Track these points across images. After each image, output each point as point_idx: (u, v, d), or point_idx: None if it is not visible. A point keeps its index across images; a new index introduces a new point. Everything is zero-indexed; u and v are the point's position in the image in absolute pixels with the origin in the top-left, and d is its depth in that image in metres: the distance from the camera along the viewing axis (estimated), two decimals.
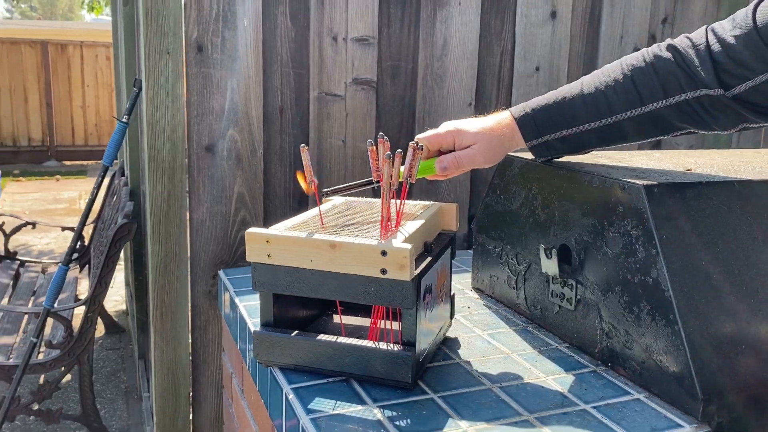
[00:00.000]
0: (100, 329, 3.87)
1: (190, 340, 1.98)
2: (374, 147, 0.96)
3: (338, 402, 0.92)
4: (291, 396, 0.93)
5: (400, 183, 0.97)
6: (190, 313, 1.97)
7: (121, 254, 4.27)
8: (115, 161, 2.77)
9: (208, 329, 1.95)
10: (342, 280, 0.91)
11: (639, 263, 0.97)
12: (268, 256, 0.94)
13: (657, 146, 2.51)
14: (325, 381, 0.98)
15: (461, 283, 1.47)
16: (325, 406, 0.91)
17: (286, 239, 0.93)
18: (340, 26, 2.08)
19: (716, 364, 0.91)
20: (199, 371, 1.96)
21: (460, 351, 1.11)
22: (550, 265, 1.13)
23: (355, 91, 2.15)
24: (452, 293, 1.16)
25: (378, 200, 1.02)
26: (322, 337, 0.98)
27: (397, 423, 0.87)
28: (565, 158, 1.19)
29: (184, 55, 1.82)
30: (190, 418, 2.02)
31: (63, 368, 2.58)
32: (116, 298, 4.54)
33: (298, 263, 0.93)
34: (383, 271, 0.89)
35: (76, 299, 3.13)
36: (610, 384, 1.01)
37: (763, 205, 1.00)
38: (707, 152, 1.44)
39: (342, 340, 0.97)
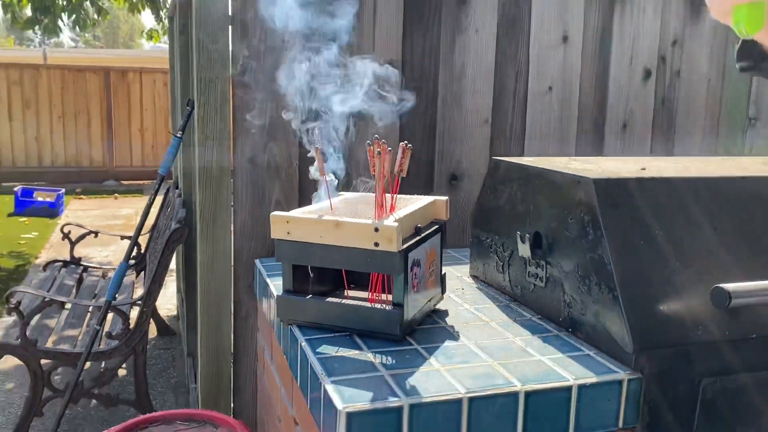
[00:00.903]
0: (153, 331, 4.19)
1: (233, 329, 2.24)
2: (371, 147, 1.20)
3: (341, 348, 1.16)
4: (304, 344, 1.18)
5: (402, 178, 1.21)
6: (232, 305, 2.23)
7: (174, 265, 4.61)
8: (169, 180, 3.08)
9: (248, 320, 2.21)
10: (344, 252, 1.16)
11: (589, 243, 1.19)
12: (288, 233, 1.19)
13: (671, 153, 2.70)
14: (332, 335, 1.22)
15: (461, 272, 1.69)
16: (330, 350, 1.15)
17: (302, 220, 1.18)
18: (368, 50, 2.34)
19: (647, 325, 1.11)
20: (239, 357, 2.22)
21: (447, 319, 1.34)
22: (524, 249, 1.35)
23: (382, 105, 2.40)
24: (443, 272, 1.39)
25: (387, 197, 1.26)
26: (330, 299, 1.22)
27: (385, 363, 1.10)
28: (539, 161, 1.41)
29: (230, 79, 2.10)
30: (231, 400, 2.27)
31: (120, 357, 2.88)
32: (169, 306, 4.88)
33: (311, 239, 1.18)
34: (376, 244, 1.13)
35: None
36: (567, 344, 1.21)
37: (692, 197, 1.20)
38: (675, 158, 1.64)
39: (346, 301, 1.21)
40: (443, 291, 1.40)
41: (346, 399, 0.97)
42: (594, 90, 2.71)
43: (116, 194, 9.91)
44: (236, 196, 2.20)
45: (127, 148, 11.24)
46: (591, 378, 1.07)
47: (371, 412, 0.95)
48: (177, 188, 3.72)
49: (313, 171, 1.28)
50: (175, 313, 4.70)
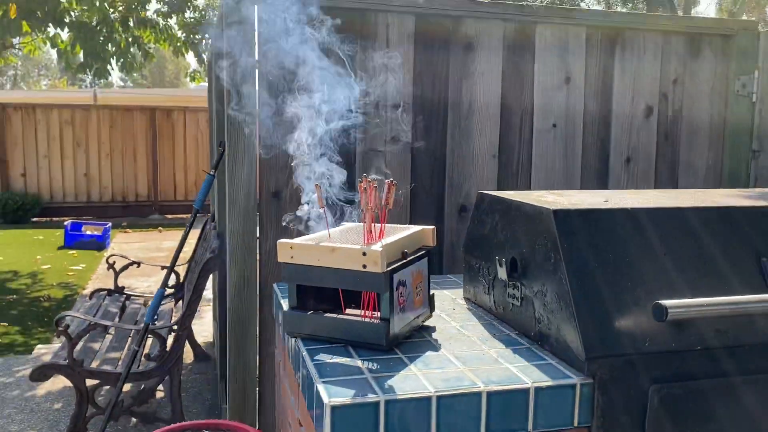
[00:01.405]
0: (190, 357, 4.44)
1: (258, 350, 2.45)
2: (360, 183, 1.41)
3: (335, 356, 1.35)
4: (304, 353, 1.37)
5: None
6: (258, 328, 2.45)
7: (211, 293, 4.87)
8: (208, 213, 3.34)
9: (272, 342, 2.41)
10: (338, 273, 1.36)
11: (551, 266, 1.36)
12: (291, 257, 1.40)
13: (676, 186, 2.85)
14: (329, 346, 1.41)
15: (456, 294, 1.87)
16: (325, 358, 1.34)
17: (302, 245, 1.39)
18: (380, 94, 2.57)
19: (598, 337, 1.27)
20: (265, 375, 2.42)
21: (433, 334, 1.52)
22: (503, 273, 1.52)
23: (394, 146, 2.62)
24: (432, 293, 1.57)
25: (375, 227, 1.46)
26: (327, 314, 1.42)
27: (371, 368, 1.29)
28: (516, 194, 1.60)
29: (258, 123, 2.35)
30: (257, 414, 2.47)
31: (157, 378, 3.11)
32: (205, 333, 5.13)
33: (311, 262, 1.38)
34: (364, 266, 1.32)
35: None
36: (535, 355, 1.38)
37: (644, 225, 1.37)
38: (649, 192, 1.80)
39: (340, 316, 1.40)
40: (432, 309, 1.58)
41: (332, 395, 1.16)
42: (597, 126, 2.88)
43: (160, 228, 10.34)
44: (262, 227, 2.43)
45: (170, 184, 11.72)
46: (547, 382, 1.24)
47: (352, 406, 1.14)
48: (213, 221, 3.98)
49: (312, 205, 1.48)
50: (211, 339, 4.94)
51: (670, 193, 1.76)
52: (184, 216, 11.49)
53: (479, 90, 2.69)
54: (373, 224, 1.41)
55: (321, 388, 1.19)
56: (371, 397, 1.15)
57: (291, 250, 1.39)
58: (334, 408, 1.13)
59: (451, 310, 1.72)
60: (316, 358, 1.34)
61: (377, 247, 1.33)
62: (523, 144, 2.79)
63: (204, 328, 5.19)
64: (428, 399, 1.17)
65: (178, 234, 9.77)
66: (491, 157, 2.74)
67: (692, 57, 2.95)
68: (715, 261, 1.37)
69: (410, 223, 2.62)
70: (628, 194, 1.72)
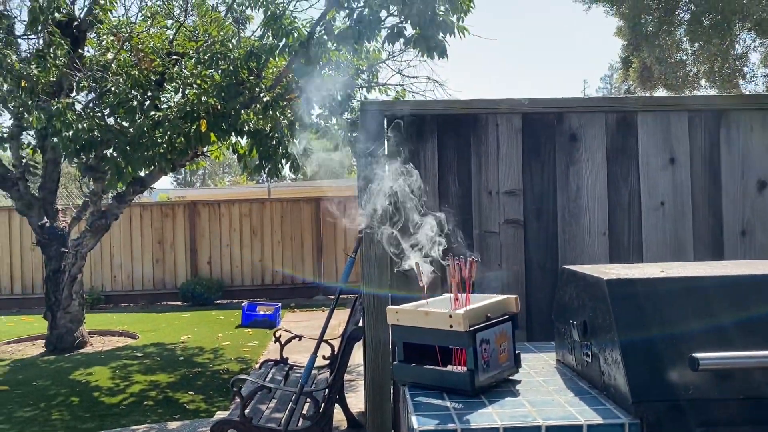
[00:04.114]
0: (344, 423, 4.88)
1: (392, 406, 2.83)
2: (448, 260, 1.78)
3: (430, 398, 1.71)
4: (407, 395, 1.75)
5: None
6: (392, 388, 2.84)
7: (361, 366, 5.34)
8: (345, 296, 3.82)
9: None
10: (431, 332, 1.73)
11: (607, 327, 1.64)
12: (397, 320, 1.80)
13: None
14: (428, 391, 1.77)
15: (550, 357, 2.15)
16: (423, 399, 1.71)
17: (405, 310, 1.79)
18: (493, 184, 2.95)
19: (645, 384, 1.52)
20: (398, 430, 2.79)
21: (517, 386, 1.82)
22: (575, 334, 1.81)
23: (507, 228, 2.97)
24: (517, 352, 1.88)
25: (461, 295, 1.83)
26: (427, 366, 1.79)
27: (455, 407, 1.63)
28: (589, 268, 1.88)
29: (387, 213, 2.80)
30: None
31: None
32: (360, 406, 5.59)
33: (411, 323, 1.77)
34: (450, 326, 1.69)
35: None
36: (597, 402, 1.64)
37: (685, 292, 1.61)
38: (714, 263, 1.99)
39: (437, 367, 1.77)
40: (518, 366, 1.89)
41: (421, 423, 1.52)
42: (707, 203, 3.03)
43: (323, 308, 11.17)
44: (393, 299, 2.86)
45: (333, 266, 12.67)
46: (598, 420, 1.50)
47: (435, 431, 1.49)
48: (360, 297, 4.49)
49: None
50: (363, 409, 5.38)
51: (738, 264, 1.94)
52: (346, 297, 12.31)
53: (586, 174, 2.98)
54: (462, 293, 1.78)
55: (413, 418, 1.55)
56: (450, 426, 1.50)
57: (396, 314, 1.80)
58: None
59: (540, 368, 2.01)
60: (416, 399, 1.71)
61: (461, 311, 1.69)
62: (632, 221, 3.01)
63: (359, 399, 5.64)
64: (496, 429, 1.49)
65: (339, 313, 10.52)
66: (601, 235, 2.99)
67: None
68: (758, 322, 1.57)
69: (527, 295, 2.92)
70: (694, 266, 1.93)
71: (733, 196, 3.02)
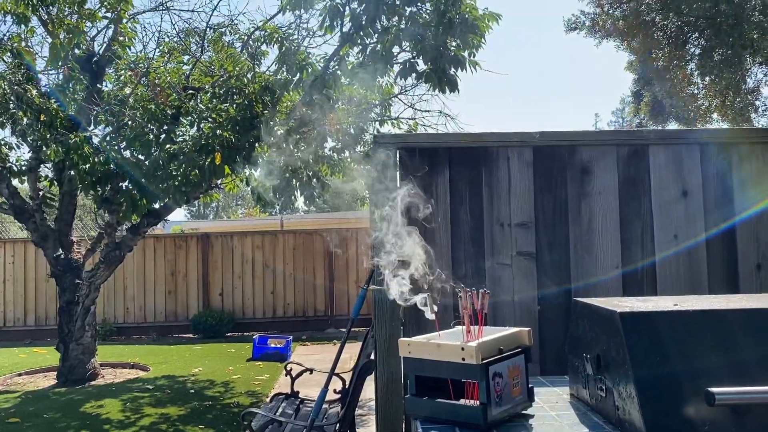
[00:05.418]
0: None
1: None
2: (460, 293, 1.78)
3: None
4: (419, 430, 1.73)
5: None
6: (403, 423, 2.81)
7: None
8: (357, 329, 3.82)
9: None
10: (444, 364, 1.72)
11: (620, 360, 1.62)
12: (409, 352, 1.79)
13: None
14: (440, 425, 1.75)
15: (564, 391, 2.12)
16: None
17: (417, 343, 1.78)
18: (505, 216, 2.96)
19: (659, 419, 1.50)
20: None
21: (530, 420, 1.80)
22: (589, 368, 1.79)
23: (519, 260, 2.97)
24: (531, 386, 1.87)
25: (474, 327, 1.83)
26: (439, 399, 1.77)
27: None
28: (601, 300, 1.87)
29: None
30: None
31: None
32: None
33: (423, 356, 1.76)
34: (463, 359, 1.68)
35: None
36: None
37: (700, 325, 1.59)
38: (726, 296, 1.97)
39: (449, 401, 1.75)
40: (531, 400, 1.86)
41: None
42: (721, 235, 3.01)
43: (335, 341, 11.11)
44: (405, 331, 2.84)
45: (345, 299, 12.63)
46: None
47: None
48: (372, 329, 4.47)
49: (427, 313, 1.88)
50: None
51: (750, 297, 1.92)
52: (358, 330, 12.25)
53: (598, 206, 2.99)
54: (474, 326, 1.78)
55: None
56: None
57: (408, 346, 1.79)
58: None
59: (554, 403, 1.98)
60: None
61: (473, 343, 1.69)
62: (645, 254, 3.00)
63: None
64: None
65: (350, 346, 10.45)
66: (614, 268, 2.97)
67: None
68: None
69: (539, 327, 2.90)
70: (715, 299, 1.92)
71: (748, 229, 3.00)
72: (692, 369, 1.55)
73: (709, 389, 1.45)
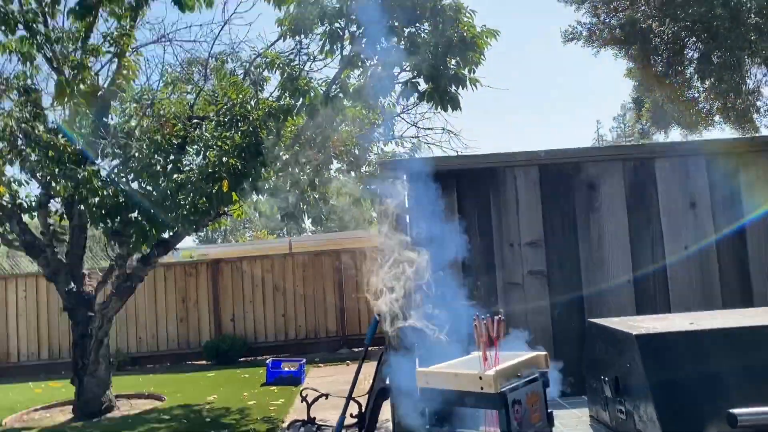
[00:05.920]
0: None
1: None
2: (474, 321, 1.79)
3: None
4: None
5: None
6: None
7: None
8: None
9: None
10: (461, 394, 1.73)
11: (639, 382, 1.62)
12: (426, 382, 1.80)
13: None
14: None
15: (583, 413, 2.12)
16: None
17: (433, 373, 1.79)
18: (514, 236, 2.97)
19: None
20: None
21: None
22: (608, 391, 1.79)
23: (531, 279, 2.98)
24: (550, 411, 1.87)
25: (490, 354, 1.83)
26: (458, 429, 1.78)
27: None
28: (617, 321, 1.88)
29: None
30: None
31: None
32: None
33: (441, 386, 1.77)
34: (481, 388, 1.69)
35: None
36: None
37: (718, 344, 1.59)
38: (742, 311, 1.97)
39: (469, 430, 1.75)
40: (551, 425, 1.86)
41: None
42: (731, 245, 3.02)
43: (348, 361, 11.07)
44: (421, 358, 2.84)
45: (356, 317, 12.62)
46: None
47: None
48: (387, 353, 4.46)
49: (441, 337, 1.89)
50: None
51: (752, 314, 1.92)
52: (371, 348, 12.21)
53: (606, 222, 3.00)
54: (491, 352, 1.78)
55: None
56: None
57: (425, 376, 1.80)
58: None
59: (574, 426, 1.98)
60: None
61: (491, 372, 1.69)
62: (656, 268, 3.00)
63: None
64: None
65: (364, 367, 10.42)
66: (626, 283, 2.98)
67: None
68: None
69: (554, 345, 2.90)
70: (731, 315, 1.92)
71: (758, 237, 3.00)
72: (712, 389, 1.55)
73: (731, 411, 1.45)
